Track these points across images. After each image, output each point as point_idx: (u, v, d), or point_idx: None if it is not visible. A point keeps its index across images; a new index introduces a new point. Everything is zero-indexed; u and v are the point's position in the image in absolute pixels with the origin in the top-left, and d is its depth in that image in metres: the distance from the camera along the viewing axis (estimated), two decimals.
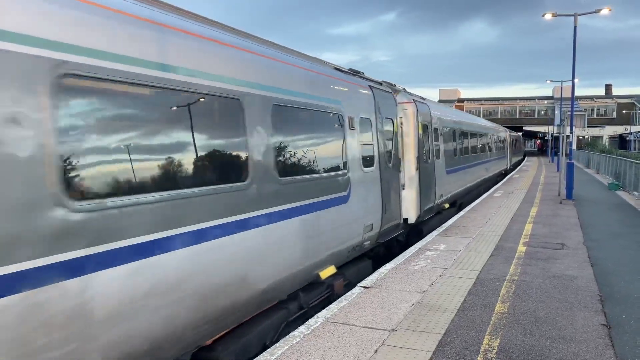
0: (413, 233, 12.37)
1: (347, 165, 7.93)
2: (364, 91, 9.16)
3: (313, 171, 6.83)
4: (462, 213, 15.12)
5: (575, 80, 23.06)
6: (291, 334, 5.75)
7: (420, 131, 12.09)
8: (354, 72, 9.51)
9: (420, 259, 9.26)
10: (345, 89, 8.29)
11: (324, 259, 7.15)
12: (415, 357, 5.16)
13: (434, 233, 11.85)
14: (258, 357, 5.16)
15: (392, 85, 11.78)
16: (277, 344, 5.45)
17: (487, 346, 5.42)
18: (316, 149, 7.00)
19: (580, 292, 7.34)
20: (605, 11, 23.30)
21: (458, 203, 17.56)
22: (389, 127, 10.14)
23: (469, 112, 62.88)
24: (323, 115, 7.29)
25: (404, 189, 11.09)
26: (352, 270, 8.58)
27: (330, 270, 7.46)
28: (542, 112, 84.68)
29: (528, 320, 6.20)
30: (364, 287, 7.48)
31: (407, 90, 13.03)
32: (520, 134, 62.05)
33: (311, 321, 6.13)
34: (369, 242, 8.93)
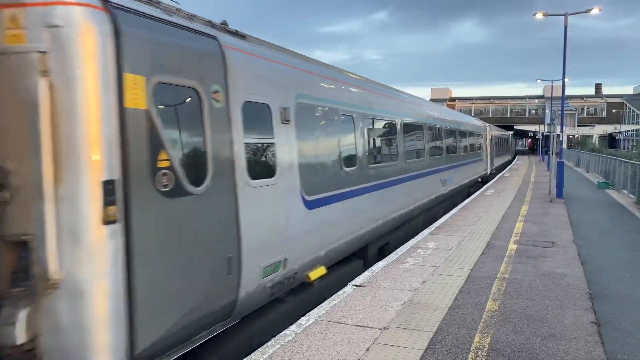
0: None
1: None
2: None
3: None
4: (453, 211, 15.16)
5: (566, 80, 23.20)
6: (283, 332, 5.73)
7: (145, 105, 4.10)
8: None
9: (412, 257, 9.28)
10: None
11: None
12: (406, 355, 5.17)
13: (426, 231, 11.88)
14: (249, 356, 5.15)
15: None
16: (269, 343, 5.43)
17: (478, 344, 5.45)
18: None
19: (570, 290, 7.39)
20: (595, 11, 23.46)
21: (378, 246, 10.26)
22: None
23: (461, 111, 60.67)
24: None
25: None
26: None
27: None
28: (533, 111, 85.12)
29: (518, 318, 6.24)
30: (356, 286, 7.48)
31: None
32: (510, 132, 62.18)
33: (303, 320, 6.12)
34: None
